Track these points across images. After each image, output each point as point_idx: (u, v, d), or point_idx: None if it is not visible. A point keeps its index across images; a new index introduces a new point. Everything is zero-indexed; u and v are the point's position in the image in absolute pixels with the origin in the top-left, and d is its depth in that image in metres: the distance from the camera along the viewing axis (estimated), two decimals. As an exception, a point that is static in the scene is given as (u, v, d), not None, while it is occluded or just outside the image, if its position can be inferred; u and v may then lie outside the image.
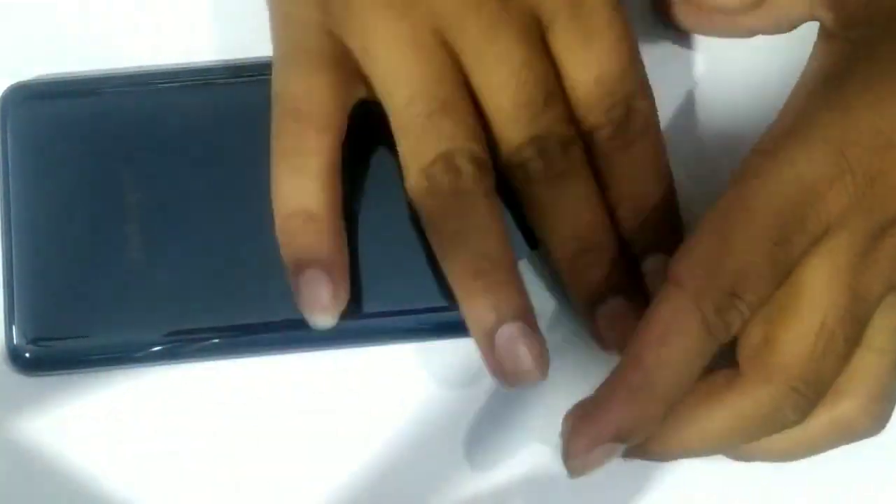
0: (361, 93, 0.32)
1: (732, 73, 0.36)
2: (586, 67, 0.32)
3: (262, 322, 0.34)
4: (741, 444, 0.32)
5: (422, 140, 0.31)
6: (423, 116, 0.31)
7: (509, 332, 0.31)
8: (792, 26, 0.34)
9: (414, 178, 0.32)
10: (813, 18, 0.33)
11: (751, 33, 0.35)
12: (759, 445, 0.32)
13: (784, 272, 0.30)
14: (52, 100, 0.35)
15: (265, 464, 0.35)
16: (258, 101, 0.33)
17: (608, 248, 0.33)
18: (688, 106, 0.36)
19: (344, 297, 0.32)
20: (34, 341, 0.34)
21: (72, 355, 0.34)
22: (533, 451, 0.35)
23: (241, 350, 0.34)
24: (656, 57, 0.35)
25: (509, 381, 0.32)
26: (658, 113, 0.33)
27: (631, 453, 0.32)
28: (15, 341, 0.34)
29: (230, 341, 0.34)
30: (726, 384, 0.31)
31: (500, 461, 0.35)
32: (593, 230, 0.32)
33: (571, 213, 0.32)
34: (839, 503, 0.35)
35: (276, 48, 0.33)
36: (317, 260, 0.32)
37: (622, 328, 0.32)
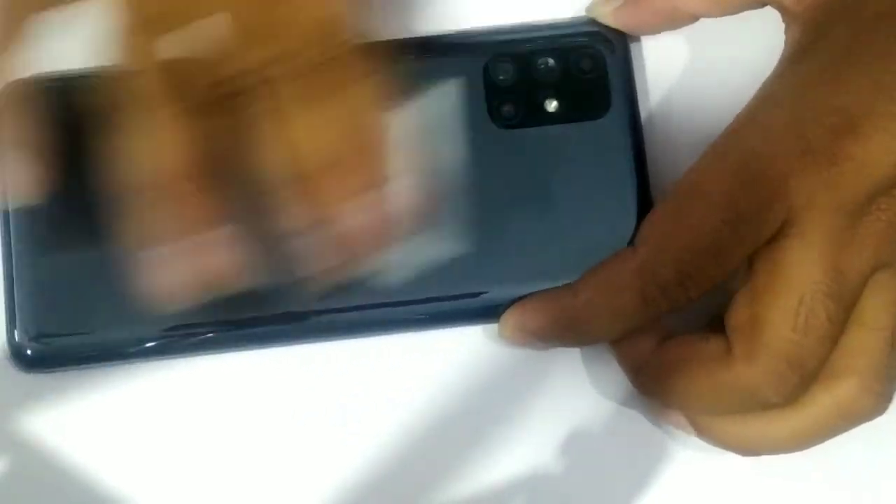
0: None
1: (728, 66, 0.36)
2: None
3: (262, 315, 0.34)
4: (723, 412, 0.32)
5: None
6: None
7: None
8: (740, 9, 0.34)
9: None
10: (767, 3, 0.33)
11: (693, 17, 0.35)
12: (763, 436, 0.32)
13: (736, 252, 0.31)
14: (50, 96, 0.35)
15: (267, 458, 0.35)
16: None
17: None
18: (682, 102, 0.36)
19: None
20: (35, 338, 0.34)
21: (73, 352, 0.34)
22: (533, 451, 0.35)
23: (242, 343, 0.34)
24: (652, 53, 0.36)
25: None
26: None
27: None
28: (16, 338, 0.34)
29: (231, 335, 0.34)
30: (714, 354, 0.32)
31: (501, 461, 0.35)
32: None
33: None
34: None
35: None
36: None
37: None
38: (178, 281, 0.29)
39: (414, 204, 0.31)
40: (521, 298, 0.34)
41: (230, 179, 0.29)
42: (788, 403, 0.31)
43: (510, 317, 0.34)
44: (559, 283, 0.34)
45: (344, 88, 0.29)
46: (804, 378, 0.31)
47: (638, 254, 0.32)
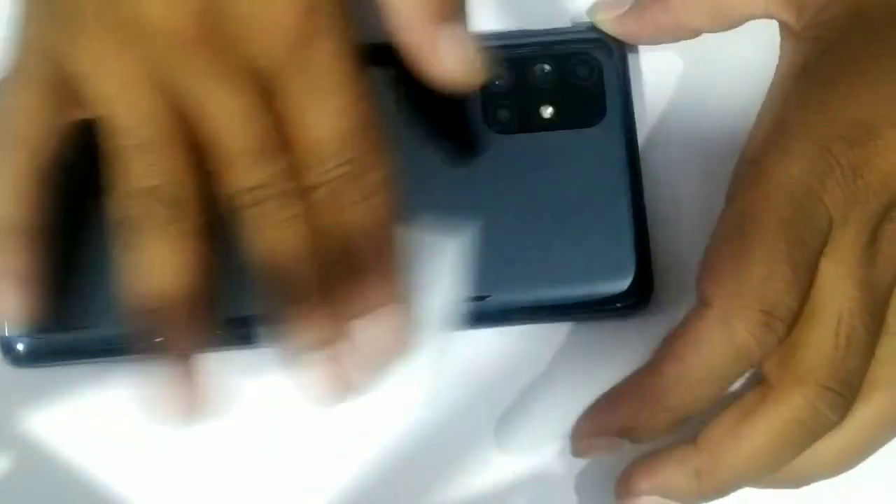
0: (82, 113, 0.32)
1: (723, 75, 0.37)
2: (308, 125, 0.31)
3: (256, 314, 0.34)
4: (791, 457, 0.31)
5: (123, 171, 0.31)
6: (129, 150, 0.31)
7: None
8: (741, 22, 0.34)
9: (114, 205, 0.31)
10: (767, 16, 0.33)
11: (696, 33, 0.35)
12: (810, 463, 0.32)
13: (807, 274, 0.30)
14: None
15: (266, 456, 0.35)
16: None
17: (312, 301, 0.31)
18: (678, 110, 0.37)
19: (31, 310, 0.31)
20: (26, 333, 0.34)
21: (64, 347, 0.34)
22: (533, 451, 0.35)
23: (236, 342, 0.34)
24: (649, 60, 0.36)
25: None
26: (391, 182, 0.31)
27: (687, 498, 0.32)
28: (7, 333, 0.34)
29: (225, 333, 0.34)
30: (760, 400, 0.31)
31: (501, 461, 0.35)
32: (307, 281, 0.31)
33: (285, 259, 0.31)
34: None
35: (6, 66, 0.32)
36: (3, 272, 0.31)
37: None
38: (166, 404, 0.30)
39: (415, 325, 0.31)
40: (538, 307, 0.34)
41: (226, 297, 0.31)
42: (842, 420, 0.30)
43: (581, 425, 0.33)
44: (553, 289, 0.34)
45: (354, 206, 0.31)
46: (853, 392, 0.30)
47: (714, 308, 0.30)
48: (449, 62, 0.31)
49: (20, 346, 0.34)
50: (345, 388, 0.31)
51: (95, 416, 0.34)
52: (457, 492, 0.35)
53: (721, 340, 0.30)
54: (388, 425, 0.35)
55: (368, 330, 0.31)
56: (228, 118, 0.30)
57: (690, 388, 0.31)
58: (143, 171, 0.31)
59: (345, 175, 0.31)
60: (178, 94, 0.30)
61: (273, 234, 0.31)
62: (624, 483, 0.33)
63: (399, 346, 0.31)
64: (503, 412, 0.35)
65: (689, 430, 0.32)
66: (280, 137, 0.31)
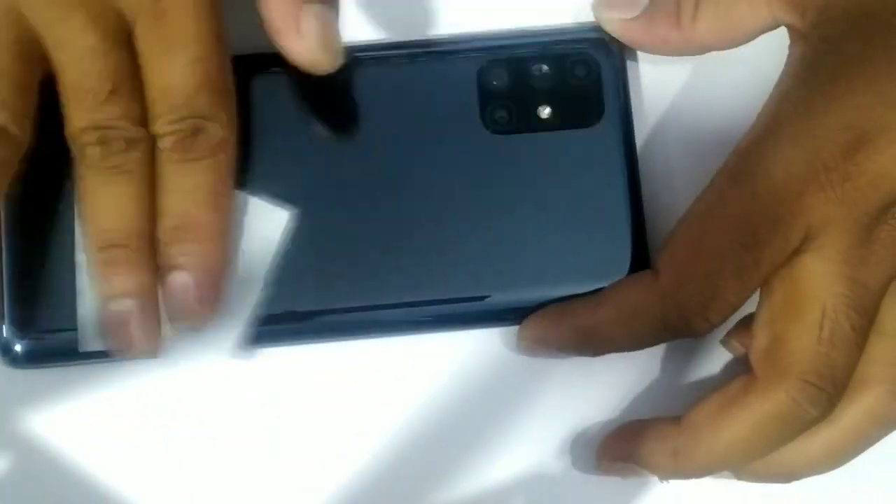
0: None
1: (723, 77, 0.37)
2: (158, 74, 0.31)
3: (259, 314, 0.34)
4: (769, 450, 0.32)
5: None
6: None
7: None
8: (750, 38, 0.34)
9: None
10: (777, 25, 0.34)
11: (704, 50, 0.35)
12: (798, 458, 0.32)
13: (756, 275, 0.31)
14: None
15: (266, 458, 0.35)
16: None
17: (139, 251, 0.32)
18: (677, 111, 0.37)
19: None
20: (24, 334, 0.34)
21: (62, 349, 0.34)
22: (533, 451, 0.35)
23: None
24: (648, 61, 0.36)
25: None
26: (233, 145, 0.32)
27: (661, 473, 0.33)
28: (5, 335, 0.34)
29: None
30: (743, 390, 0.31)
31: (501, 461, 0.35)
32: (128, 231, 0.31)
33: (113, 206, 0.31)
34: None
35: None
36: None
37: (126, 332, 0.32)
38: None
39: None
40: (536, 307, 0.34)
41: None
42: (825, 417, 0.31)
43: (529, 329, 0.34)
44: (549, 289, 0.34)
45: (194, 162, 0.31)
46: (837, 389, 0.31)
47: (659, 281, 0.32)
48: (308, 40, 0.31)
49: (18, 347, 0.34)
50: (150, 339, 0.32)
51: (95, 416, 0.34)
52: (457, 492, 0.35)
53: (654, 314, 0.32)
54: (388, 425, 0.35)
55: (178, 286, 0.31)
56: (76, 54, 0.31)
57: (616, 340, 0.32)
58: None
59: (187, 129, 0.31)
60: (35, 28, 0.31)
61: (110, 175, 0.31)
62: (605, 446, 0.34)
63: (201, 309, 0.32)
64: (503, 412, 0.35)
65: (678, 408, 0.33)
66: (134, 84, 0.31)
